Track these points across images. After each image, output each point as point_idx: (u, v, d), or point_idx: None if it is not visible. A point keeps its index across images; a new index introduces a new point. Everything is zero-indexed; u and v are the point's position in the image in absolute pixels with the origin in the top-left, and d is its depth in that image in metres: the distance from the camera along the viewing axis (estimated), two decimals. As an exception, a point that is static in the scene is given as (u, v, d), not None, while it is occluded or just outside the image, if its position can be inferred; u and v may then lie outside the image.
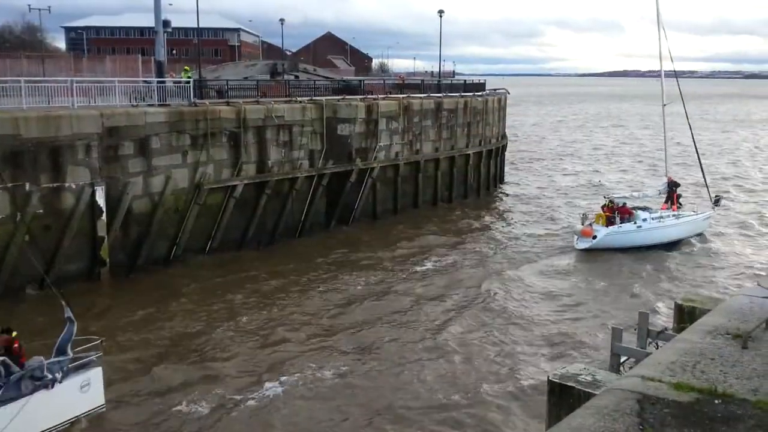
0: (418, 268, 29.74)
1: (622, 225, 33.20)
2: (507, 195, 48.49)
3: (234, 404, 17.64)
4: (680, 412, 6.26)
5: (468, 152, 44.45)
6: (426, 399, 18.11)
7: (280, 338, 21.86)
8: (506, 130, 54.84)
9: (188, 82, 31.28)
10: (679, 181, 38.06)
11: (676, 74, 36.82)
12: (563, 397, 9.86)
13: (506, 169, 54.80)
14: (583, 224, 33.82)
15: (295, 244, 32.85)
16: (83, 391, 16.14)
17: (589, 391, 9.39)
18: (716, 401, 6.50)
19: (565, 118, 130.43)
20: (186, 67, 35.57)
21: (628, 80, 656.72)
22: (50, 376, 15.43)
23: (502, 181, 51.80)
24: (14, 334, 15.49)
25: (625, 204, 34.32)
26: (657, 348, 11.85)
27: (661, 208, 35.55)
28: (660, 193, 37.20)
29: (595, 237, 32.59)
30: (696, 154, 38.04)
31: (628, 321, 19.37)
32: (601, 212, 34.03)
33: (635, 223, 33.36)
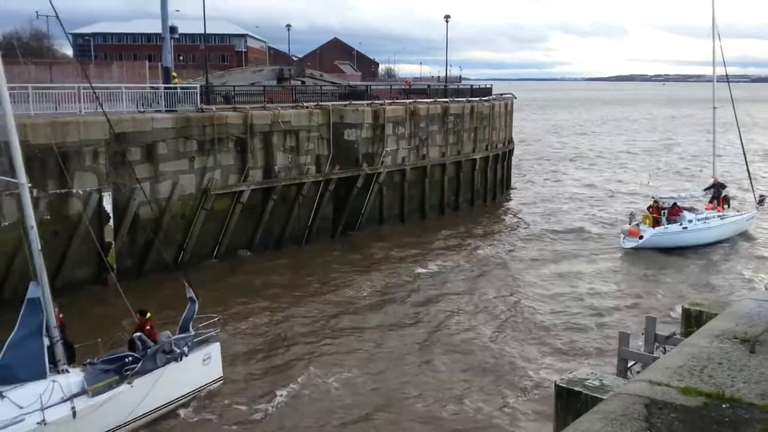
0: (425, 273, 29.74)
1: (669, 226, 33.98)
2: (514, 199, 48.52)
3: (238, 410, 17.68)
4: (688, 416, 6.23)
5: (475, 157, 44.41)
6: (433, 403, 18.08)
7: (286, 343, 21.89)
8: (514, 135, 54.80)
9: (175, 89, 31.21)
10: (724, 183, 38.98)
11: (728, 78, 37.40)
12: (570, 402, 9.83)
13: (519, 174, 54.81)
14: (630, 224, 34.66)
15: (302, 250, 32.89)
16: (205, 364, 17.96)
17: (597, 395, 9.36)
18: (724, 406, 6.47)
19: (564, 122, 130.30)
20: (174, 74, 35.62)
21: (636, 84, 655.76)
22: (178, 350, 17.23)
23: (509, 185, 51.74)
24: (148, 315, 17.66)
25: (675, 204, 34.95)
26: (664, 352, 11.81)
27: (706, 208, 36.13)
28: (706, 194, 37.73)
29: (641, 237, 33.44)
30: (743, 156, 38.54)
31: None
32: (647, 213, 34.79)
33: (681, 224, 34.10)
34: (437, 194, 41.64)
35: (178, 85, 32.42)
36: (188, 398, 17.67)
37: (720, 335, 8.44)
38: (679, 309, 16.12)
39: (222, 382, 18.47)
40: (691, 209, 35.30)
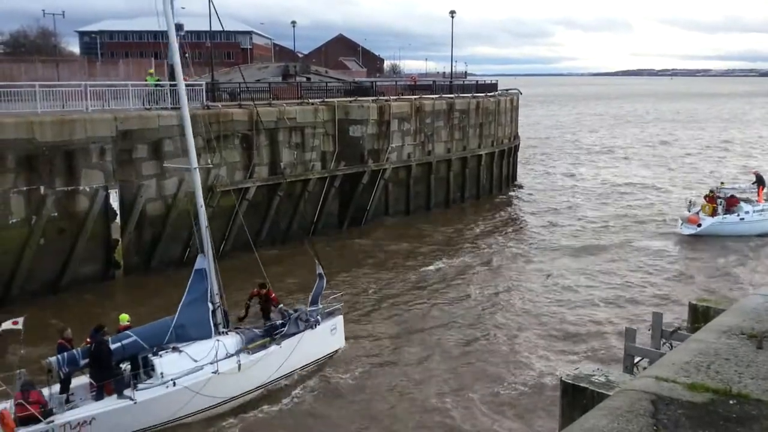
0: (432, 268, 29.75)
1: (726, 216, 35.52)
2: (520, 194, 48.42)
3: (243, 411, 17.74)
4: (695, 412, 6.21)
5: (480, 153, 44.38)
6: (438, 396, 18.10)
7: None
8: (523, 131, 54.68)
9: (156, 86, 31.09)
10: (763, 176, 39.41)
11: None
12: (576, 398, 9.80)
13: (526, 169, 54.75)
14: (689, 211, 36.27)
15: (308, 246, 32.83)
16: (332, 334, 20.30)
17: (603, 392, 9.32)
18: (731, 402, 6.44)
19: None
20: (150, 71, 35.58)
21: (643, 79, 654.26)
22: (313, 319, 19.52)
23: (514, 181, 51.70)
24: (267, 285, 19.99)
25: (732, 196, 36.27)
26: (671, 348, 11.78)
27: (758, 201, 37.04)
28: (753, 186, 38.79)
29: (699, 225, 35.11)
30: None
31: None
32: (705, 201, 36.23)
33: (738, 215, 35.56)
34: (443, 190, 41.65)
35: (155, 81, 32.18)
36: (320, 362, 19.84)
37: (727, 331, 8.39)
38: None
39: (344, 349, 20.68)
40: (747, 200, 36.55)
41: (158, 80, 32.57)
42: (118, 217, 26.49)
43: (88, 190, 25.76)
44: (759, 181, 37.94)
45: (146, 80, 32.36)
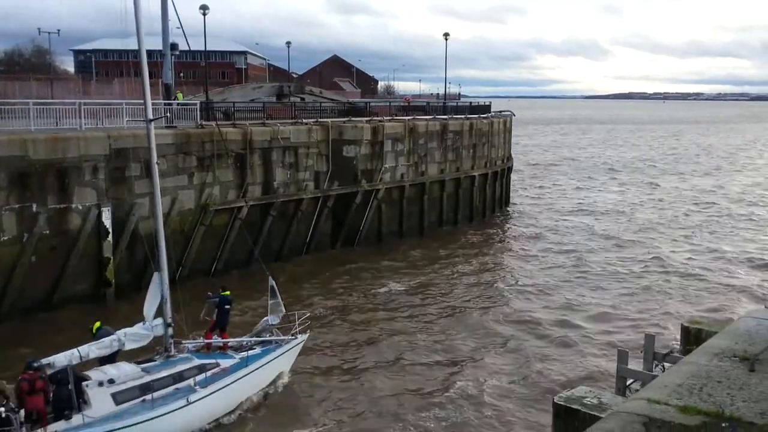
0: (423, 288, 29.70)
1: None
2: (513, 216, 48.56)
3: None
4: (687, 435, 6.20)
5: (473, 174, 44.51)
6: (426, 421, 17.98)
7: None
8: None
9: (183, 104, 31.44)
10: None
11: None
12: (569, 420, 9.78)
13: (521, 191, 54.99)
14: None
15: (300, 266, 32.81)
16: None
17: (595, 414, 9.32)
18: (723, 424, 6.43)
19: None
20: (179, 92, 36.09)
21: (638, 102, 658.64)
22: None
23: (507, 202, 51.85)
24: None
25: None
26: (663, 370, 11.76)
27: None
28: None
29: None
30: None
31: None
32: None
33: None
34: (436, 211, 41.67)
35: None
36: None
37: (719, 353, 8.41)
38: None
39: None
40: None
41: (183, 98, 32.96)
42: (110, 236, 26.38)
43: (80, 208, 25.67)
44: None
45: (176, 98, 32.87)
